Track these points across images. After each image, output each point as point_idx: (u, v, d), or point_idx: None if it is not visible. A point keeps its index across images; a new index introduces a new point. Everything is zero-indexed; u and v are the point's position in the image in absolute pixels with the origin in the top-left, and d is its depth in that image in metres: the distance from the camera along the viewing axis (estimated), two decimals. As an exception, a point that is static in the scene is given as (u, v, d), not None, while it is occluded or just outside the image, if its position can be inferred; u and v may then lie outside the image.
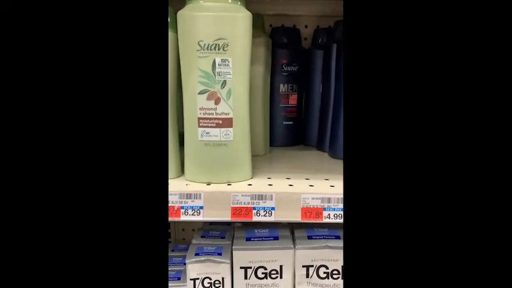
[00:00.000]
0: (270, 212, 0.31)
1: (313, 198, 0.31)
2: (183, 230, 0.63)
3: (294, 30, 0.52)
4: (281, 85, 0.51)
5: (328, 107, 0.47)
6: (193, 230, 0.62)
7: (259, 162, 0.42)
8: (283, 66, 0.50)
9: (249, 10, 0.32)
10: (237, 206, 0.31)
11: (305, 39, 0.56)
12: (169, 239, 0.63)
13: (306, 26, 0.56)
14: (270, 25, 0.54)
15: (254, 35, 0.41)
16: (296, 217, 0.31)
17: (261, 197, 0.31)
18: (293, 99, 0.52)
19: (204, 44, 0.30)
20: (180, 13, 0.31)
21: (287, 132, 0.53)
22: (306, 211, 0.31)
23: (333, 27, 0.48)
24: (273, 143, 0.51)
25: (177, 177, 0.35)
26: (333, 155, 0.45)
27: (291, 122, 0.53)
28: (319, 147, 0.50)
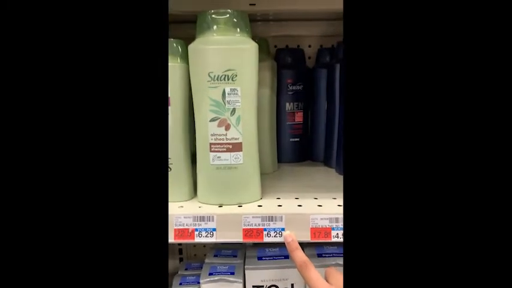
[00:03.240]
0: (280, 233, 0.33)
1: (321, 219, 0.32)
2: (194, 246, 0.64)
3: (298, 50, 0.54)
4: (287, 104, 0.52)
5: (334, 124, 0.48)
6: (204, 246, 0.63)
7: (268, 181, 0.43)
8: (289, 86, 0.52)
9: (254, 33, 0.34)
10: (248, 227, 0.33)
11: (309, 58, 0.57)
12: (181, 256, 0.64)
13: (309, 46, 0.58)
14: (275, 46, 0.56)
15: (260, 60, 0.44)
16: (306, 237, 0.33)
17: (271, 218, 0.33)
18: (299, 117, 0.53)
19: (214, 75, 0.32)
20: (191, 46, 0.33)
21: (294, 148, 0.54)
22: (315, 231, 0.32)
23: (336, 46, 0.50)
24: (280, 159, 0.53)
25: (190, 199, 0.37)
26: (340, 171, 0.46)
27: (298, 139, 0.54)
28: (326, 163, 0.51)
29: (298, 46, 0.57)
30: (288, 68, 0.52)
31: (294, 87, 0.52)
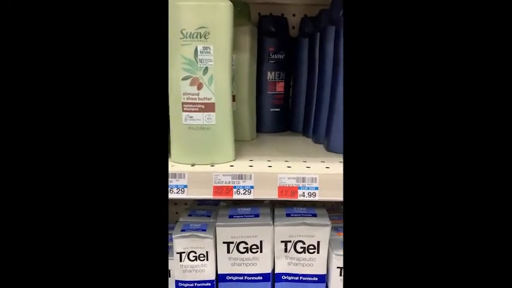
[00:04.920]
0: (249, 191, 0.34)
1: (289, 178, 0.34)
2: (176, 213, 0.65)
3: (282, 18, 0.53)
4: (268, 73, 0.52)
5: (312, 95, 0.49)
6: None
7: (244, 147, 0.44)
8: (270, 54, 0.52)
9: None
10: (218, 185, 0.34)
11: (293, 27, 0.57)
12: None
13: (293, 15, 0.57)
14: (259, 13, 0.56)
15: (239, 24, 0.43)
16: (273, 195, 0.34)
17: (240, 176, 0.34)
18: (280, 87, 0.54)
19: (187, 32, 0.32)
20: (164, 2, 0.32)
21: (275, 118, 0.55)
22: (282, 190, 0.34)
23: (317, 16, 0.50)
24: (261, 129, 0.54)
25: (164, 158, 0.37)
26: (316, 140, 0.47)
27: (278, 109, 0.55)
28: (305, 133, 0.52)
29: (282, 14, 0.56)
30: (270, 36, 0.51)
31: (276, 56, 0.52)
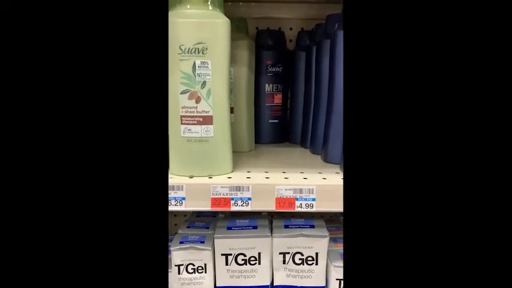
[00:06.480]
0: (247, 202, 0.34)
1: (286, 189, 0.34)
2: (175, 225, 0.65)
3: (279, 32, 0.55)
4: (266, 85, 0.53)
5: (310, 106, 0.50)
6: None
7: (242, 158, 0.44)
8: (268, 67, 0.53)
9: (236, 13, 0.34)
10: (216, 196, 0.34)
11: (290, 41, 0.58)
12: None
13: (290, 29, 0.58)
14: (256, 28, 0.57)
15: (238, 38, 0.44)
16: (271, 206, 0.34)
17: (238, 188, 0.34)
18: (278, 99, 0.55)
19: (185, 48, 0.33)
20: (163, 19, 0.33)
21: (273, 130, 0.55)
22: (280, 201, 0.34)
23: (313, 30, 0.51)
24: (260, 140, 0.54)
25: (163, 171, 0.38)
26: (314, 151, 0.48)
27: (277, 121, 0.55)
28: (303, 144, 0.53)
29: (279, 28, 0.58)
30: (268, 49, 0.52)
31: (274, 69, 0.53)
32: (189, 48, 0.33)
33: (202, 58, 0.33)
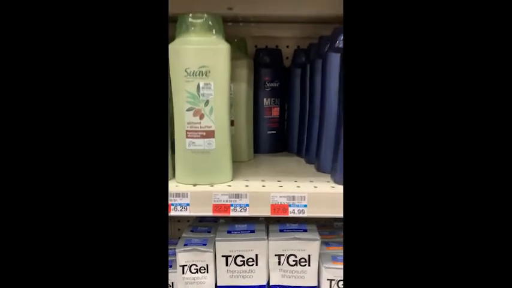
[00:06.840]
0: (244, 208, 0.38)
1: (280, 197, 0.38)
2: (179, 229, 0.69)
3: (276, 50, 0.59)
4: (264, 99, 0.58)
5: (305, 119, 0.54)
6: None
7: (241, 167, 0.48)
8: (266, 83, 0.57)
9: (236, 32, 0.38)
10: (217, 203, 0.38)
11: (287, 58, 0.62)
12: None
13: (287, 46, 0.63)
14: (255, 46, 0.61)
15: (238, 58, 0.49)
16: (267, 212, 0.38)
17: (237, 195, 0.38)
18: (275, 112, 0.59)
19: (190, 71, 0.37)
20: (171, 46, 0.38)
21: (271, 140, 0.59)
22: (275, 207, 0.38)
23: (308, 47, 0.55)
24: (259, 150, 0.58)
25: (170, 180, 0.42)
26: (308, 160, 0.51)
27: (274, 132, 0.59)
28: (299, 154, 0.56)
29: (276, 46, 0.62)
30: (266, 67, 0.57)
31: (271, 84, 0.57)
32: (193, 71, 0.37)
33: (205, 80, 0.37)
